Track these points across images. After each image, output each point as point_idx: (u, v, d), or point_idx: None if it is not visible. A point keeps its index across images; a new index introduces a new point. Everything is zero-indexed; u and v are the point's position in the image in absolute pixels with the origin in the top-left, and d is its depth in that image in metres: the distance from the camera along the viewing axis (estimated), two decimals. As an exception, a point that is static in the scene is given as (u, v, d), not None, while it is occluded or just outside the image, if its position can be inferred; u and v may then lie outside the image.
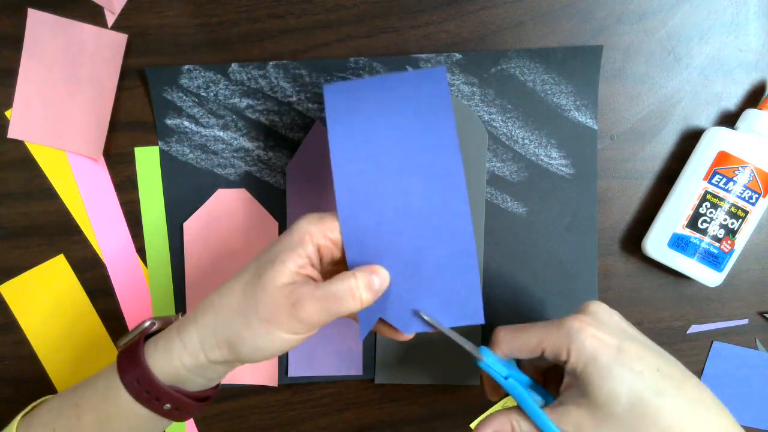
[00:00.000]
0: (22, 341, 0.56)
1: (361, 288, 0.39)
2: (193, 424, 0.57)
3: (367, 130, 0.41)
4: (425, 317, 0.41)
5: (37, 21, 0.54)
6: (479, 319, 0.41)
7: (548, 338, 0.39)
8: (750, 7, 0.54)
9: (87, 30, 0.54)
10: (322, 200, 0.55)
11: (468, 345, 0.42)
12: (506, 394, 0.42)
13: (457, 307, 0.41)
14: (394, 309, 0.42)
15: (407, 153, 0.41)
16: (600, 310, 0.41)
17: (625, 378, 0.37)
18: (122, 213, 0.56)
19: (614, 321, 0.40)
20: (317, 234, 0.40)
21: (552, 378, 0.44)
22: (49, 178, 0.55)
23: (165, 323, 0.44)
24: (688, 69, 0.54)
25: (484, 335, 0.54)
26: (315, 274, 0.41)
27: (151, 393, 0.40)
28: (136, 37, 0.55)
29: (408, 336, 0.43)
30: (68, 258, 0.56)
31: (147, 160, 0.55)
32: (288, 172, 0.55)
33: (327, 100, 0.41)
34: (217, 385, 0.45)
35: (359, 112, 0.41)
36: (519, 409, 0.41)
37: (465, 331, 0.53)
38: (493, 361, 0.41)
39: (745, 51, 0.54)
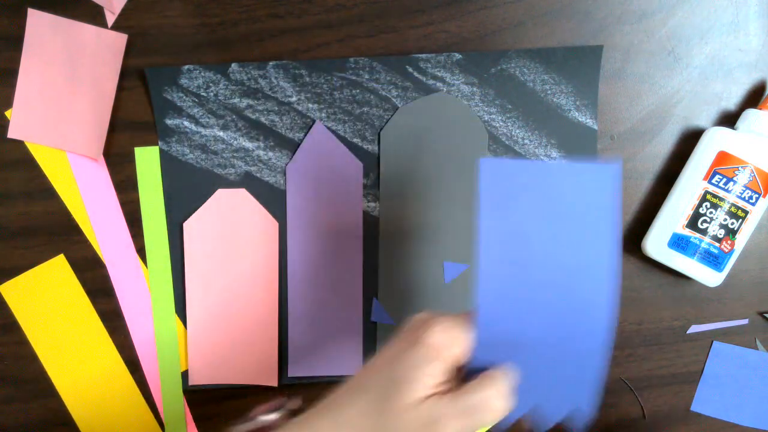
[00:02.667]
0: (22, 341, 0.56)
1: (501, 398, 0.35)
2: (193, 424, 0.57)
3: (519, 217, 0.38)
4: None
5: (37, 21, 0.54)
6: (589, 414, 0.40)
7: None
8: (750, 7, 0.54)
9: (87, 30, 0.54)
10: (321, 200, 0.55)
11: None
12: None
13: (569, 399, 0.40)
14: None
15: (556, 248, 0.38)
16: None
17: None
18: (122, 213, 0.56)
19: None
20: (453, 346, 0.35)
21: None
22: (49, 178, 0.55)
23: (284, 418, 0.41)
24: (688, 69, 0.54)
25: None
26: (450, 385, 0.36)
27: None
28: (136, 37, 0.55)
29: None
30: (68, 258, 0.56)
31: (147, 160, 0.55)
32: (288, 172, 0.55)
33: (482, 177, 0.39)
34: None
35: (514, 197, 0.38)
36: None
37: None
38: None
39: (745, 51, 0.54)
